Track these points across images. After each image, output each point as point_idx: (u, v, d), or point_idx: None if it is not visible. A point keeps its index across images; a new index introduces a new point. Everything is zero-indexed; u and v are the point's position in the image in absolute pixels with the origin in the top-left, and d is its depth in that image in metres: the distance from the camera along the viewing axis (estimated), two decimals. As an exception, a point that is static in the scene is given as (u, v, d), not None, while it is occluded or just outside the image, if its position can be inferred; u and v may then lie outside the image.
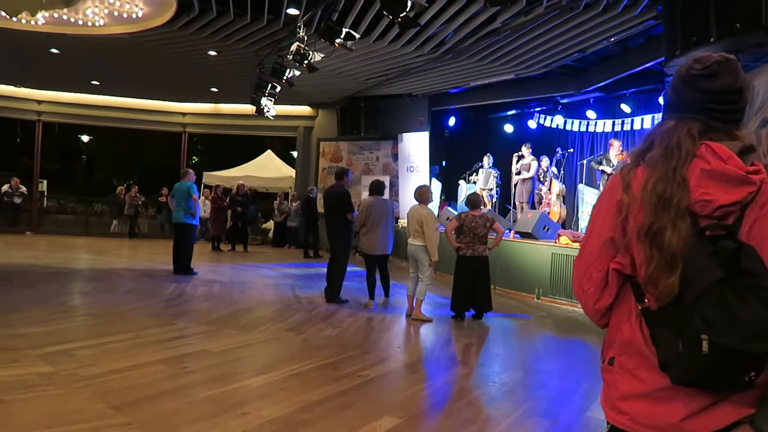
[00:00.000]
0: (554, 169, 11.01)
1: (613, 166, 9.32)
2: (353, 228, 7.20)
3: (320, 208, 15.42)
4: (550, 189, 10.90)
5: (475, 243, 6.57)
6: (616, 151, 9.51)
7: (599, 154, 10.71)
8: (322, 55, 8.41)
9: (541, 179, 11.05)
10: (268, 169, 17.56)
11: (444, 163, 14.45)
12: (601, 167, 9.77)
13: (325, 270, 7.48)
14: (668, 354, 1.16)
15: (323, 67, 10.30)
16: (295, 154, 17.73)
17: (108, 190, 23.21)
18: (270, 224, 16.70)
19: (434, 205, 10.50)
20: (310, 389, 3.75)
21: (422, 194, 6.59)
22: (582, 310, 1.47)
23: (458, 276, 6.64)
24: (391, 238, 7.07)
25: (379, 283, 7.19)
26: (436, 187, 12.56)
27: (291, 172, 17.31)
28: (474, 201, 6.73)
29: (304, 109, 15.87)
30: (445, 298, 7.37)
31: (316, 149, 15.74)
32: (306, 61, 8.18)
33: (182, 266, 8.95)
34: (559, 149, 11.08)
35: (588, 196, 10.51)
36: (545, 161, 11.15)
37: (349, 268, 7.40)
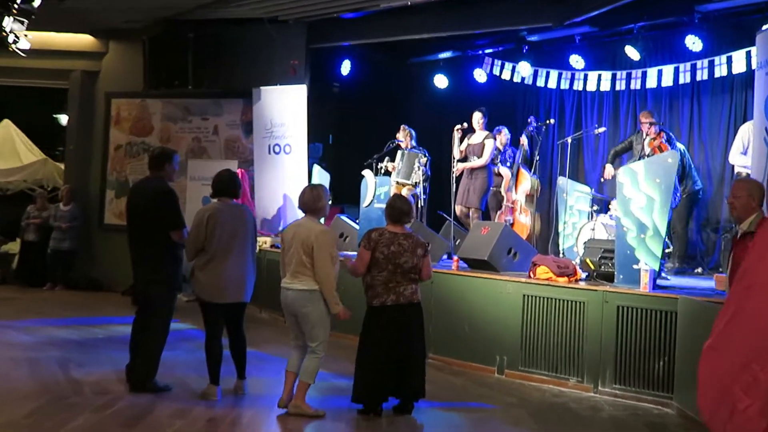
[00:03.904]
0: (525, 148, 11.31)
1: (644, 155, 9.53)
2: (182, 256, 7.20)
3: (118, 218, 15.10)
4: (515, 185, 11.06)
5: (399, 282, 6.60)
6: (648, 132, 9.83)
7: (600, 129, 11.09)
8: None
9: (504, 167, 11.28)
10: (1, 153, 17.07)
11: (331, 138, 14.55)
12: (617, 153, 10.37)
13: (128, 331, 7.41)
14: None
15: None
16: (64, 120, 17.44)
17: None
18: (13, 246, 15.99)
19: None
20: None
21: (313, 200, 6.64)
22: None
23: (369, 340, 6.66)
24: (252, 275, 7.18)
25: (228, 353, 7.20)
26: (322, 180, 12.41)
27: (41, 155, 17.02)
28: (397, 209, 6.74)
29: (83, 41, 15.53)
30: (346, 378, 7.39)
31: (105, 111, 15.52)
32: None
33: None
34: (532, 119, 11.34)
35: (577, 200, 10.80)
36: (503, 137, 11.38)
37: (173, 326, 7.38)
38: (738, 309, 2.00)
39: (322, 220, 7.24)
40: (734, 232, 6.11)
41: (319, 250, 6.39)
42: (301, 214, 6.80)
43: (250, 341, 7.39)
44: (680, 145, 10.22)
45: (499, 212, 11.32)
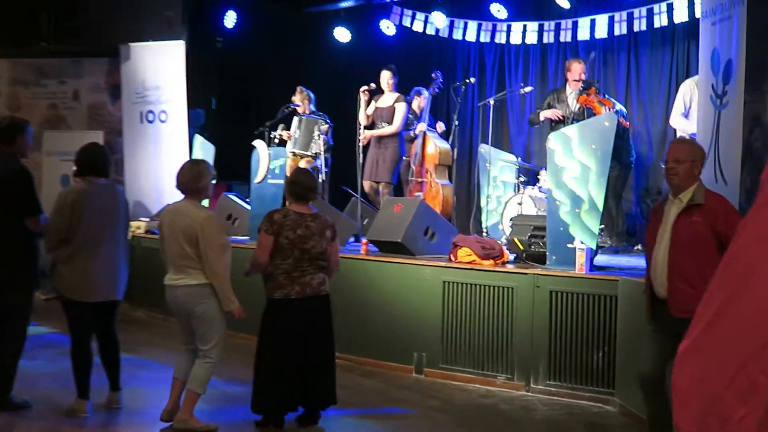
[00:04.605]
0: (421, 106, 11.37)
1: (572, 113, 9.72)
2: (39, 247, 7.09)
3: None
4: (422, 155, 11.10)
5: (305, 271, 6.60)
6: (574, 81, 10.07)
7: (527, 88, 11.21)
8: None
9: (414, 134, 11.35)
10: None
11: (214, 103, 14.46)
12: (545, 115, 10.27)
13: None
14: None
15: None
16: None
17: None
18: None
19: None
20: None
21: (194, 179, 6.53)
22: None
23: (269, 340, 6.65)
24: (125, 268, 7.14)
25: (99, 360, 7.14)
26: (205, 153, 12.26)
27: None
28: (302, 185, 6.71)
29: None
30: (242, 385, 7.39)
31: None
32: None
33: None
34: (437, 74, 11.42)
35: (502, 170, 10.92)
36: (422, 100, 11.46)
37: (30, 330, 7.21)
38: (728, 301, 1.97)
39: (205, 202, 7.15)
40: (659, 200, 6.09)
41: (205, 240, 6.31)
42: (179, 195, 6.68)
43: (124, 345, 7.30)
44: (620, 106, 10.45)
45: (410, 188, 11.36)
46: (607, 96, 10.16)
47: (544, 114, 10.36)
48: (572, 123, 9.58)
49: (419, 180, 11.27)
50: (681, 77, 11.06)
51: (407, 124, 11.19)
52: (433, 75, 11.58)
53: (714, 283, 2.12)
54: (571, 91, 10.20)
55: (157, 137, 13.17)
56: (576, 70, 10.25)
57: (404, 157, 11.22)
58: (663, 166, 5.80)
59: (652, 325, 5.62)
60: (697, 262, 5.24)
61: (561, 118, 10.08)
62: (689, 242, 5.30)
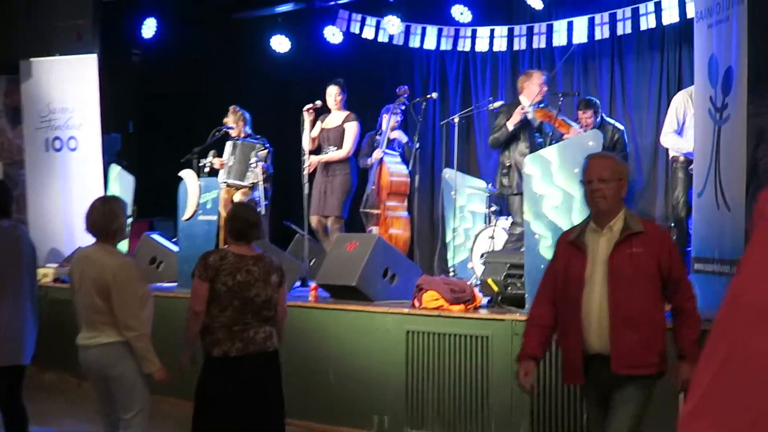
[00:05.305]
0: (398, 135, 11.43)
1: (539, 130, 9.76)
2: None
3: None
4: (379, 180, 11.08)
5: (249, 324, 6.53)
6: (534, 91, 10.00)
7: (496, 103, 11.18)
8: None
9: (369, 163, 11.39)
10: None
11: (131, 126, 14.46)
12: (513, 122, 10.02)
13: None
14: None
15: None
16: None
17: None
18: None
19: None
20: None
21: (105, 219, 6.46)
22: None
23: (209, 405, 6.57)
24: (33, 326, 7.15)
25: None
26: (123, 185, 12.18)
27: None
28: (242, 221, 6.66)
29: None
30: None
31: None
32: None
33: None
34: (405, 89, 11.38)
35: (470, 198, 10.92)
36: (392, 122, 11.42)
37: None
38: (733, 351, 1.89)
39: (123, 244, 7.06)
40: (572, 231, 5.65)
41: (118, 292, 6.23)
42: (87, 239, 6.59)
43: (32, 416, 7.25)
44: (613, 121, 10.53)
45: (369, 222, 11.34)
46: (565, 119, 9.92)
47: (512, 122, 9.90)
48: (534, 135, 9.65)
49: (374, 212, 11.24)
50: (672, 87, 11.18)
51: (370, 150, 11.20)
52: (399, 90, 11.51)
53: (717, 328, 2.04)
54: (529, 105, 9.98)
55: (66, 168, 13.06)
56: (535, 80, 10.11)
57: (355, 186, 11.23)
58: (583, 187, 5.44)
59: (587, 389, 5.59)
60: (642, 302, 5.16)
61: (525, 115, 9.91)
62: (631, 279, 5.14)
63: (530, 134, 9.92)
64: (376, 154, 11.21)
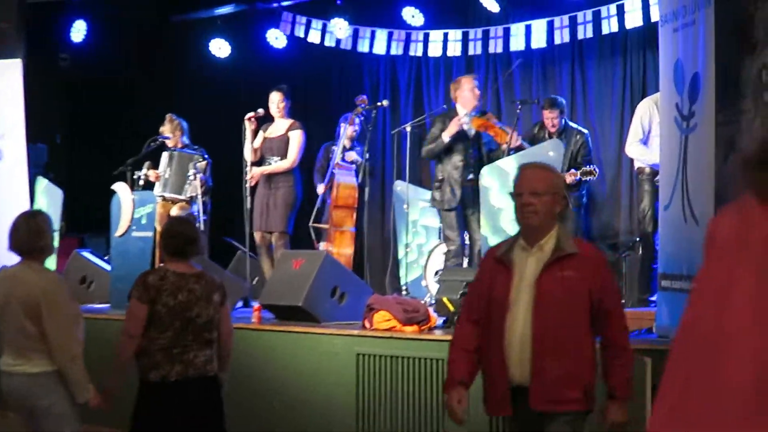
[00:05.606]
0: (345, 145, 11.43)
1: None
2: None
3: None
4: (335, 194, 11.13)
5: (188, 346, 6.50)
6: (467, 98, 10.07)
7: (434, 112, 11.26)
8: None
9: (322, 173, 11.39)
10: None
11: (59, 137, 14.42)
12: (449, 133, 10.03)
13: None
14: None
15: None
16: None
17: None
18: None
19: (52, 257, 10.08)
20: None
21: (31, 236, 6.43)
22: None
23: None
24: None
25: None
26: (51, 199, 12.12)
27: None
28: (180, 237, 6.63)
29: None
30: None
31: None
32: None
33: None
34: (362, 98, 11.42)
35: (423, 212, 10.97)
36: (350, 130, 11.53)
37: None
38: (691, 381, 1.95)
39: (49, 262, 7.03)
40: (498, 249, 5.44)
41: (51, 311, 6.17)
42: (15, 258, 6.53)
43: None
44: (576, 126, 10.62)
45: (318, 241, 11.41)
46: (503, 127, 9.97)
47: (449, 133, 9.94)
48: (470, 147, 9.76)
49: (325, 227, 11.25)
50: (636, 94, 11.27)
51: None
52: (356, 100, 11.54)
53: (671, 363, 2.08)
54: (465, 114, 10.04)
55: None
56: (466, 86, 10.19)
57: (300, 200, 11.24)
58: (514, 201, 5.25)
59: (512, 424, 5.47)
60: (570, 331, 4.97)
61: (461, 126, 9.96)
62: (560, 305, 4.94)
63: (465, 146, 10.00)
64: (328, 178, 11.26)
